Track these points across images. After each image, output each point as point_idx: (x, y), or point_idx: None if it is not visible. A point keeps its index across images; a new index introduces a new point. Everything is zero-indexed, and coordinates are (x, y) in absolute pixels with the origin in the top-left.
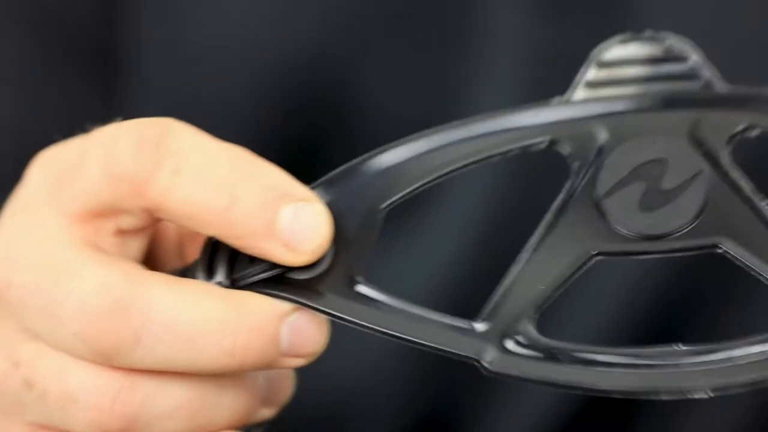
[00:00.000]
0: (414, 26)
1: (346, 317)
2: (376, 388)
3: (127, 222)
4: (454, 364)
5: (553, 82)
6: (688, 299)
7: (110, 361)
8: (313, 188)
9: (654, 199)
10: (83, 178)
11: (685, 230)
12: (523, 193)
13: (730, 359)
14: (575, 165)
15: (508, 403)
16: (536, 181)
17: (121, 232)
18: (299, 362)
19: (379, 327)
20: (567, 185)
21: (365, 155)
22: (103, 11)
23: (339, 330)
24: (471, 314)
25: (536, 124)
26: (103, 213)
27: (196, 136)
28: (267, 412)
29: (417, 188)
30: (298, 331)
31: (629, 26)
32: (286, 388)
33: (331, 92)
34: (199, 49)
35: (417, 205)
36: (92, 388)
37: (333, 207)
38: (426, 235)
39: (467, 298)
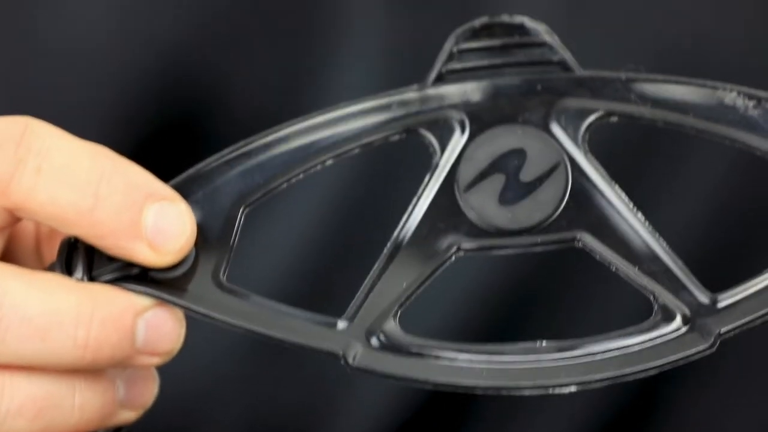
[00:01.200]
0: (273, 19)
1: (209, 314)
2: (216, 392)
3: None
4: (293, 374)
5: (411, 74)
6: (549, 293)
7: None
8: (173, 186)
9: (513, 193)
10: None
11: (545, 225)
12: (382, 179)
13: (590, 354)
14: (435, 156)
15: (345, 410)
16: (394, 166)
17: None
18: (155, 361)
19: (244, 324)
20: (428, 177)
21: (224, 152)
22: None
23: None
24: (331, 305)
25: (393, 116)
26: None
27: (58, 134)
28: (127, 416)
29: (277, 186)
30: (154, 327)
31: (484, 13)
32: (149, 391)
33: (190, 86)
34: (50, 48)
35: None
36: None
37: (194, 206)
38: (281, 227)
39: (326, 290)
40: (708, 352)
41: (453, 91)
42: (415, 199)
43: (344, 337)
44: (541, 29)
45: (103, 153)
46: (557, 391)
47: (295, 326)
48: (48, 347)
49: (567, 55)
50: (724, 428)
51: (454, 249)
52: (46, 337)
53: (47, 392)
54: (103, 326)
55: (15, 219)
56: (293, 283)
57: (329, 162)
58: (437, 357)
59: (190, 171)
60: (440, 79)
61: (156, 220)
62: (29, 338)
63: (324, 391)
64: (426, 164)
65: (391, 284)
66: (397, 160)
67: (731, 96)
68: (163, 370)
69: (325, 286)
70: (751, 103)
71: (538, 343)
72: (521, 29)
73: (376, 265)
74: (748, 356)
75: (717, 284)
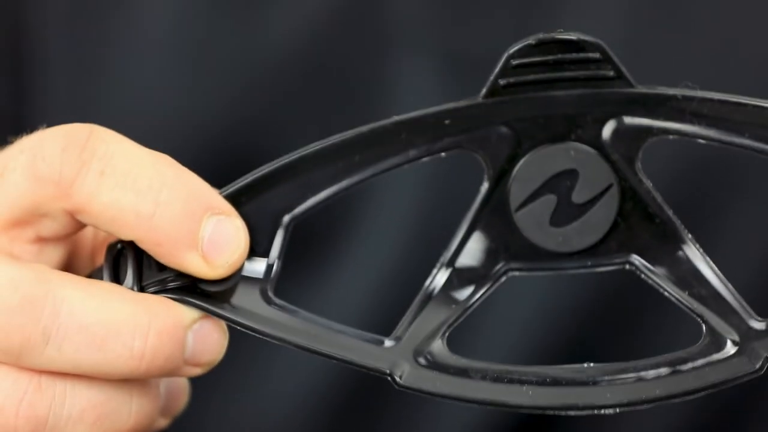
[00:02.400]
0: (321, 90)
1: (257, 328)
2: None
3: (48, 228)
4: (360, 410)
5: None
6: (600, 315)
7: (18, 360)
8: (225, 196)
9: (565, 214)
10: (6, 183)
11: (597, 247)
12: (446, 208)
13: (638, 376)
14: (487, 173)
15: None
16: (459, 192)
17: (40, 240)
18: (197, 371)
19: (291, 339)
20: (479, 196)
21: (273, 163)
22: (10, 85)
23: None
24: (383, 324)
25: (446, 129)
26: (24, 220)
27: (123, 140)
28: (163, 423)
29: (326, 199)
30: (201, 339)
31: None
32: (183, 399)
33: (243, 159)
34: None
35: (337, 231)
36: None
37: (243, 217)
38: (348, 259)
39: (379, 308)
40: (755, 375)
41: (505, 106)
42: (467, 217)
43: (392, 356)
44: (596, 45)
45: (167, 161)
46: (604, 411)
47: (343, 343)
48: (105, 356)
49: (623, 71)
50: None
51: (504, 270)
52: (103, 347)
53: (107, 399)
54: (159, 338)
55: (77, 226)
56: (347, 301)
57: (378, 176)
58: (483, 377)
59: (241, 181)
60: (493, 93)
61: (213, 233)
62: (87, 347)
63: None
64: (478, 181)
65: (440, 304)
66: (451, 175)
67: None
68: None
69: (378, 304)
70: None
71: (585, 365)
72: (577, 45)
73: (425, 284)
74: None
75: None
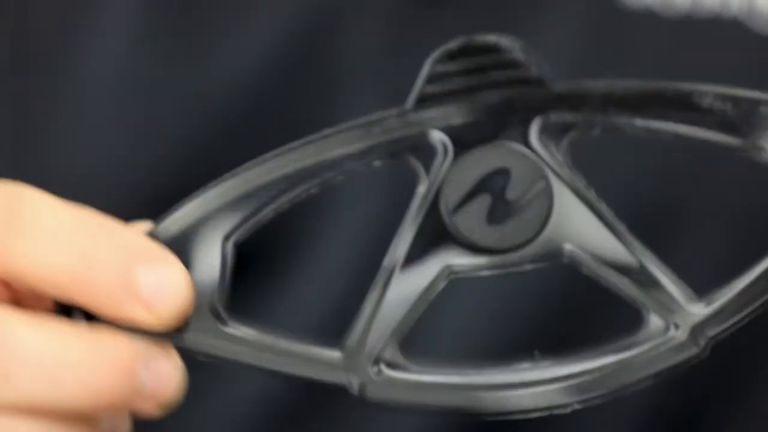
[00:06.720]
0: (272, 127)
1: (210, 353)
2: None
3: None
4: None
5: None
6: (543, 310)
7: None
8: (159, 229)
9: (501, 212)
10: None
11: (533, 241)
12: (372, 203)
13: (587, 371)
14: (420, 180)
15: None
16: (386, 191)
17: None
18: (153, 407)
19: (246, 360)
20: (416, 201)
21: (206, 187)
22: None
23: None
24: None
25: (375, 141)
26: None
27: (49, 201)
28: None
29: (263, 217)
30: (155, 370)
31: None
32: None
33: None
34: (57, 179)
35: (289, 243)
36: None
37: (185, 240)
38: (302, 271)
39: (330, 317)
40: (700, 357)
41: (433, 113)
42: (402, 225)
43: (348, 368)
44: (516, 48)
45: (94, 217)
46: (559, 411)
47: (298, 360)
48: (58, 392)
49: (544, 71)
50: None
51: (446, 272)
52: (56, 383)
53: None
54: (112, 371)
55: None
56: (297, 311)
57: (313, 190)
58: (441, 385)
59: (174, 212)
60: (420, 102)
61: (150, 281)
62: (40, 383)
63: None
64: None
65: (389, 311)
66: (386, 184)
67: (708, 99)
68: None
69: (337, 313)
70: (728, 105)
71: (534, 361)
72: (497, 49)
73: (371, 291)
74: None
75: (707, 287)
